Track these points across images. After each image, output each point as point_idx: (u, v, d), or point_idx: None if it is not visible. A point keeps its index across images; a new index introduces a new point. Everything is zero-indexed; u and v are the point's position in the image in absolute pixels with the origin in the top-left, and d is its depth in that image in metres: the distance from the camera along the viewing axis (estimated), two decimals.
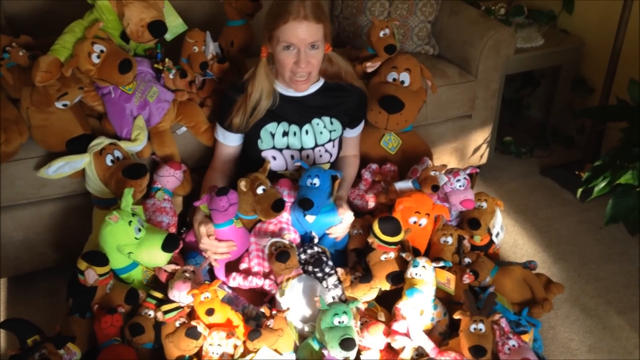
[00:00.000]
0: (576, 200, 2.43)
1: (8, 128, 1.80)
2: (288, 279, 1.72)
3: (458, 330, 1.62)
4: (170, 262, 1.72)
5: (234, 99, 1.91)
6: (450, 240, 1.88)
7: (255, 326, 1.62)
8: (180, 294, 1.63)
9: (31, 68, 1.73)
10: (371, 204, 1.98)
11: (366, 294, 1.75)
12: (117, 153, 1.85)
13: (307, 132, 1.95)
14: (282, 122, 1.94)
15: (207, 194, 1.76)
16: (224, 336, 1.57)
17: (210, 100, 2.08)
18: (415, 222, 1.83)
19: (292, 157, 1.97)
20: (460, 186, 1.93)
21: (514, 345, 1.59)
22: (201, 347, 1.60)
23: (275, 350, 1.56)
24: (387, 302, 1.77)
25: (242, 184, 1.75)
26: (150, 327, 1.61)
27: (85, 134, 1.90)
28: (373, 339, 1.62)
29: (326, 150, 1.99)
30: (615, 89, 2.53)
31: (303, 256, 1.78)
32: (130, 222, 1.64)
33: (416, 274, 1.69)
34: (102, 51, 1.80)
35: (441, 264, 1.74)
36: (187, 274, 1.68)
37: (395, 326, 1.65)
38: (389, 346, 1.65)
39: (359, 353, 1.62)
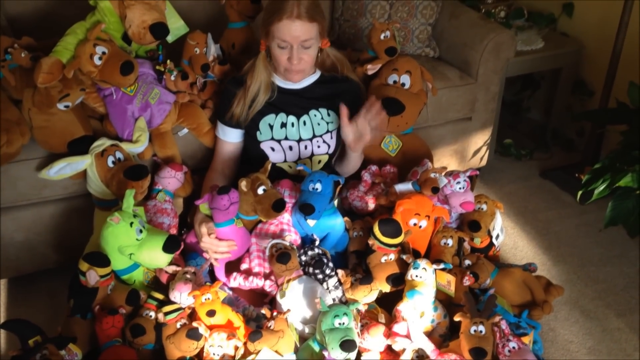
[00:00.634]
0: (576, 202, 2.44)
1: (10, 129, 1.80)
2: (289, 281, 1.72)
3: (458, 332, 1.62)
4: (171, 264, 1.72)
5: (234, 92, 1.95)
6: (450, 242, 1.88)
7: (256, 327, 1.62)
8: (181, 295, 1.63)
9: (33, 69, 1.74)
10: (371, 205, 1.98)
11: (366, 296, 1.75)
12: (119, 154, 1.85)
13: (304, 123, 1.98)
14: (280, 114, 1.97)
15: (208, 193, 1.77)
16: (224, 337, 1.58)
17: (212, 102, 2.09)
18: (415, 224, 1.83)
19: (291, 148, 1.99)
20: (460, 188, 1.94)
21: (514, 347, 1.59)
22: (202, 348, 1.60)
23: (276, 352, 1.56)
24: (388, 303, 1.77)
25: (243, 184, 1.75)
26: (151, 328, 1.61)
27: (87, 135, 1.90)
28: (373, 341, 1.62)
29: (324, 142, 2.01)
30: (615, 92, 2.54)
31: (304, 258, 1.78)
32: (132, 223, 1.64)
33: (416, 276, 1.69)
34: (104, 53, 1.81)
35: (441, 266, 1.75)
36: (188, 275, 1.68)
37: (396, 328, 1.65)
38: (389, 348, 1.65)
39: (359, 355, 1.63)
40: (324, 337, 1.55)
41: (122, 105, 1.91)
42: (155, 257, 1.66)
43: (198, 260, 1.81)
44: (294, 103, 1.98)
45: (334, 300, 1.75)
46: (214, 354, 1.57)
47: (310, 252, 1.78)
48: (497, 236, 2.00)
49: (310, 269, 1.76)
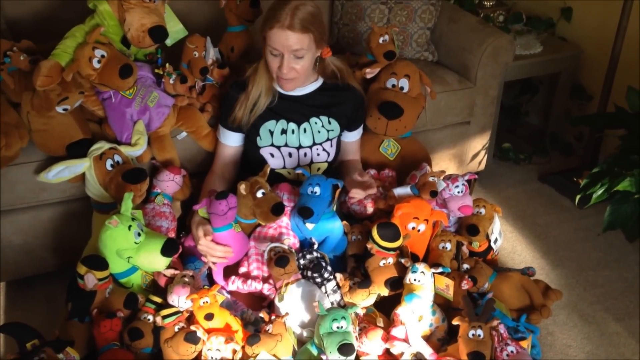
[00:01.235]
0: (574, 207, 2.44)
1: (9, 132, 1.80)
2: (287, 284, 1.72)
3: (457, 336, 1.61)
4: (169, 267, 1.72)
5: (236, 97, 1.96)
6: (448, 246, 1.88)
7: (254, 331, 1.61)
8: (180, 299, 1.63)
9: (32, 72, 1.74)
10: (369, 209, 1.98)
11: (365, 299, 1.75)
12: (117, 157, 1.85)
13: (305, 130, 1.98)
14: (281, 120, 1.97)
15: (207, 197, 1.77)
16: (222, 341, 1.57)
17: (211, 105, 2.09)
18: (413, 228, 1.83)
19: (290, 154, 1.99)
20: (458, 192, 1.94)
21: (512, 352, 1.59)
22: (200, 352, 1.60)
23: (274, 356, 1.56)
24: (386, 307, 1.77)
25: (242, 188, 1.75)
26: (149, 332, 1.61)
27: (86, 138, 1.90)
28: (372, 345, 1.62)
29: (324, 149, 2.02)
30: (614, 97, 2.55)
31: (302, 261, 1.78)
32: (130, 226, 1.64)
33: (415, 280, 1.69)
34: (103, 56, 1.81)
35: (440, 269, 1.75)
36: (186, 279, 1.68)
37: (394, 332, 1.65)
38: (387, 352, 1.65)
39: (357, 358, 1.62)
40: (322, 340, 1.54)
41: (121, 108, 1.92)
42: (153, 261, 1.66)
43: (196, 263, 1.81)
44: (295, 110, 1.98)
45: (332, 303, 1.75)
46: (212, 358, 1.57)
47: (308, 256, 1.78)
48: (496, 240, 2.00)
49: (309, 273, 1.76)
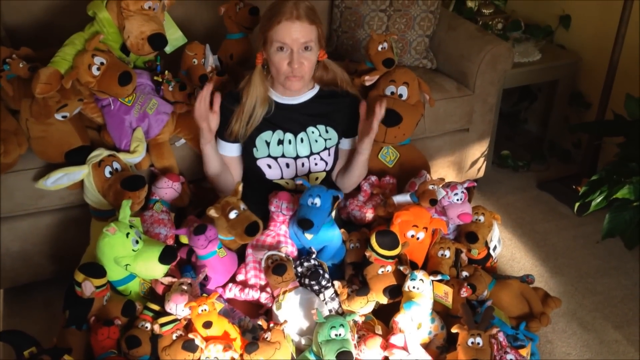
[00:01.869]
0: (573, 214, 2.44)
1: (7, 139, 1.80)
2: (285, 292, 1.72)
3: (455, 344, 1.61)
4: (167, 275, 1.72)
5: (231, 109, 1.93)
6: (447, 253, 1.87)
7: (252, 339, 1.61)
8: (177, 307, 1.62)
9: (31, 80, 1.74)
10: (369, 215, 1.98)
11: (363, 307, 1.74)
12: (116, 165, 1.85)
13: (302, 140, 1.97)
14: (277, 130, 1.95)
15: (186, 228, 1.78)
16: (221, 349, 1.57)
17: None
18: (413, 236, 1.83)
19: (287, 165, 1.98)
20: (457, 200, 1.94)
21: (511, 359, 1.59)
22: None
23: None
24: (385, 315, 1.77)
25: (212, 212, 1.74)
26: (146, 340, 1.60)
27: (84, 145, 1.90)
28: (370, 352, 1.62)
29: (321, 159, 2.00)
30: (612, 104, 2.55)
31: (300, 269, 1.78)
32: (128, 234, 1.64)
33: (414, 287, 1.69)
34: (102, 63, 1.81)
35: (439, 277, 1.74)
36: (184, 287, 1.68)
37: (393, 339, 1.64)
38: (386, 359, 1.65)
39: None
40: (320, 348, 1.54)
41: (120, 115, 1.92)
42: (151, 268, 1.66)
43: (192, 273, 1.80)
44: (292, 119, 1.96)
45: (330, 311, 1.75)
46: None
47: (306, 264, 1.78)
48: (495, 247, 2.00)
49: (306, 280, 1.75)
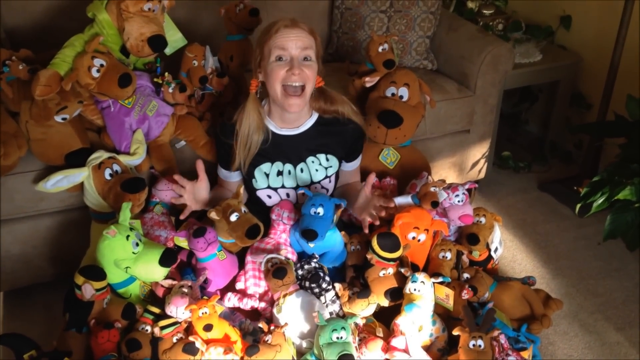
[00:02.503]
0: (574, 215, 2.43)
1: (7, 142, 1.80)
2: (285, 296, 1.71)
3: (457, 347, 1.61)
4: (167, 277, 1.71)
5: (229, 144, 1.89)
6: (449, 255, 1.87)
7: (253, 342, 1.61)
8: (178, 309, 1.62)
9: (31, 82, 1.73)
10: None
11: (364, 309, 1.74)
12: (116, 167, 1.85)
13: (302, 170, 1.93)
14: (276, 162, 1.92)
15: (185, 230, 1.77)
16: (221, 352, 1.56)
17: (210, 114, 2.09)
18: (414, 238, 1.83)
19: (288, 195, 1.95)
20: (458, 201, 1.93)
21: None
22: None
23: None
24: (386, 317, 1.76)
25: (213, 214, 1.73)
26: (147, 343, 1.60)
27: (84, 147, 1.89)
28: (371, 355, 1.61)
29: (322, 187, 1.97)
30: (613, 105, 2.54)
31: (300, 272, 1.77)
32: (128, 236, 1.63)
33: (415, 290, 1.68)
34: (102, 65, 1.80)
35: (440, 279, 1.74)
36: (185, 289, 1.67)
37: (394, 342, 1.64)
38: None
39: None
40: (321, 351, 1.54)
41: (120, 117, 1.91)
42: (151, 271, 1.65)
43: (192, 275, 1.80)
44: (291, 151, 1.91)
45: (331, 314, 1.74)
46: None
47: (306, 266, 1.77)
48: (496, 249, 1.99)
49: (307, 283, 1.75)
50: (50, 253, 2.02)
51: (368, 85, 2.18)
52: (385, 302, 1.74)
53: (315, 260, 1.79)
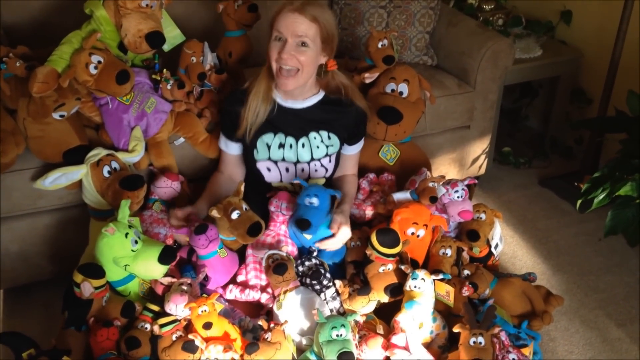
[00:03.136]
0: (575, 211, 2.43)
1: (5, 139, 1.79)
2: (285, 292, 1.71)
3: (457, 344, 1.60)
4: (166, 275, 1.71)
5: (236, 110, 1.91)
6: (449, 252, 1.86)
7: (253, 339, 1.60)
8: (177, 307, 1.61)
9: (28, 79, 1.73)
10: (369, 213, 1.97)
11: (364, 306, 1.73)
12: (114, 164, 1.84)
13: (303, 145, 1.94)
14: (279, 134, 1.93)
15: (187, 227, 1.77)
16: (221, 350, 1.56)
17: (208, 110, 2.08)
18: (413, 233, 1.82)
19: (287, 169, 1.96)
20: (458, 197, 1.93)
21: (513, 359, 1.58)
22: None
23: None
24: (386, 314, 1.76)
25: (214, 212, 1.73)
26: (146, 341, 1.60)
27: (82, 145, 1.89)
28: (372, 353, 1.61)
29: (322, 165, 1.98)
30: (614, 100, 2.54)
31: (301, 268, 1.77)
32: (127, 234, 1.63)
33: (415, 287, 1.68)
34: (99, 62, 1.80)
35: (440, 276, 1.73)
36: (184, 287, 1.67)
37: (394, 339, 1.63)
38: (387, 359, 1.64)
39: None
40: (321, 348, 1.53)
41: (118, 114, 1.90)
42: (150, 269, 1.65)
43: (192, 272, 1.80)
44: (294, 124, 1.93)
45: (331, 311, 1.74)
46: None
47: (307, 263, 1.77)
48: (496, 245, 1.99)
49: (308, 280, 1.74)
50: (49, 251, 2.02)
51: (367, 81, 2.18)
52: (385, 298, 1.74)
53: (315, 256, 1.79)
